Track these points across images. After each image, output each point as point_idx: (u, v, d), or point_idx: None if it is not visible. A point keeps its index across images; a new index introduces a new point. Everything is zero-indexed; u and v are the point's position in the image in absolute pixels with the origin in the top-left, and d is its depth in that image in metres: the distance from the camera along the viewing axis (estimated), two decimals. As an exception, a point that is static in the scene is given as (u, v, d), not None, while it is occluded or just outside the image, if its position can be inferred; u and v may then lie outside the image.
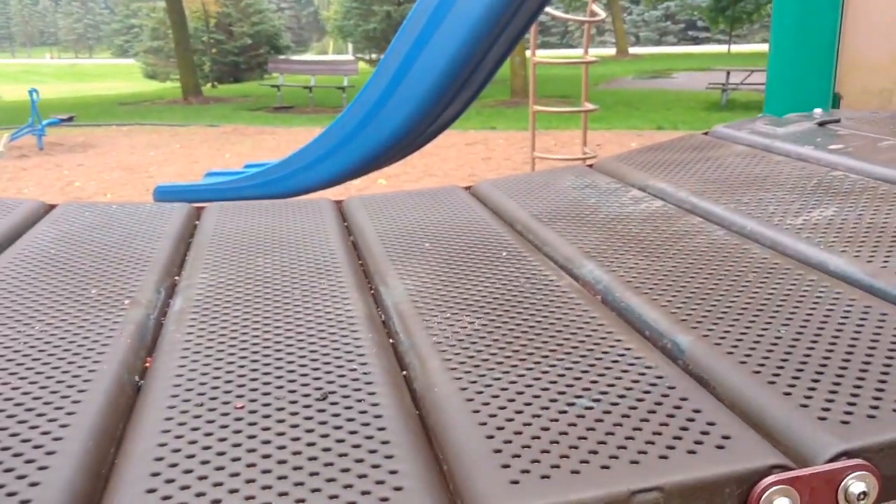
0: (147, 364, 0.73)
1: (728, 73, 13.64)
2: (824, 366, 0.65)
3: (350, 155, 3.79)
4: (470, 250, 1.03)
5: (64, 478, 0.52)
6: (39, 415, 0.60)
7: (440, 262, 0.98)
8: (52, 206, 1.27)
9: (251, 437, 0.57)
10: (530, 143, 6.05)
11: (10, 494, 0.49)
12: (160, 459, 0.54)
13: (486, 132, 10.75)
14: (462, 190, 1.40)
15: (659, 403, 0.61)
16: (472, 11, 3.33)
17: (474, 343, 0.73)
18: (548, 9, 4.63)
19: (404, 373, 0.71)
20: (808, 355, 0.67)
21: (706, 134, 1.62)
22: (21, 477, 0.51)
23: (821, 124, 1.50)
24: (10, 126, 11.15)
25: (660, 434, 0.56)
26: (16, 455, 0.54)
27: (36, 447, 0.55)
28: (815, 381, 0.62)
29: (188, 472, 0.53)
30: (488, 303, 0.84)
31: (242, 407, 0.62)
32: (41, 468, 0.52)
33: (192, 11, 20.72)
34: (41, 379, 0.66)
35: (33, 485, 0.50)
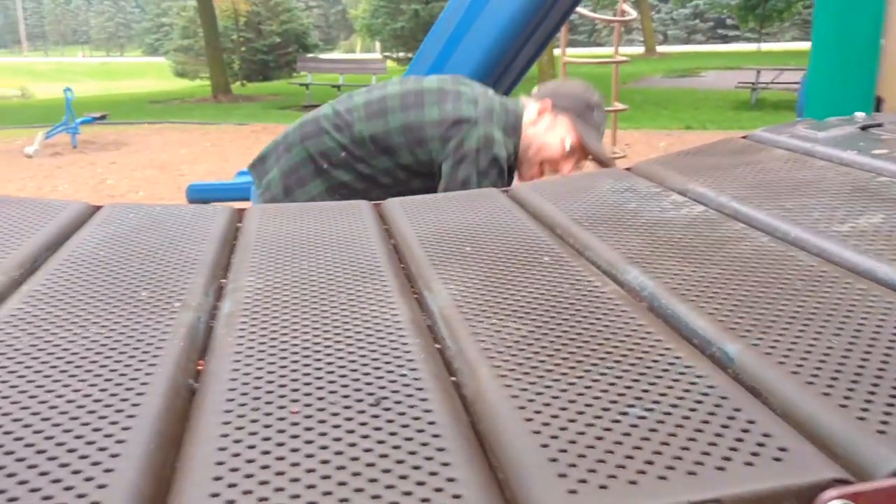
0: (199, 367, 0.75)
1: (758, 71, 13.49)
2: (880, 377, 0.64)
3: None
4: (511, 254, 1.03)
5: (130, 480, 0.53)
6: (101, 417, 0.61)
7: (482, 267, 0.98)
8: (98, 208, 1.29)
9: (308, 442, 0.58)
10: (559, 142, 6.03)
11: (81, 496, 0.51)
12: (221, 464, 0.55)
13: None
14: (499, 192, 1.40)
15: (712, 414, 0.61)
16: (504, 11, 3.34)
17: (522, 350, 0.74)
18: (578, 8, 4.62)
19: (452, 379, 0.72)
20: (862, 367, 0.66)
21: (745, 137, 1.61)
22: (88, 479, 0.53)
23: (863, 128, 1.48)
24: (45, 124, 11.34)
25: (715, 445, 0.56)
26: (82, 457, 0.55)
27: (101, 449, 0.56)
28: (871, 392, 0.62)
29: (249, 476, 0.54)
30: (534, 309, 0.84)
31: (298, 412, 0.63)
32: (107, 470, 0.54)
33: (222, 10, 20.92)
34: (100, 381, 0.67)
35: (101, 487, 0.52)
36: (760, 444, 0.56)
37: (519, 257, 1.02)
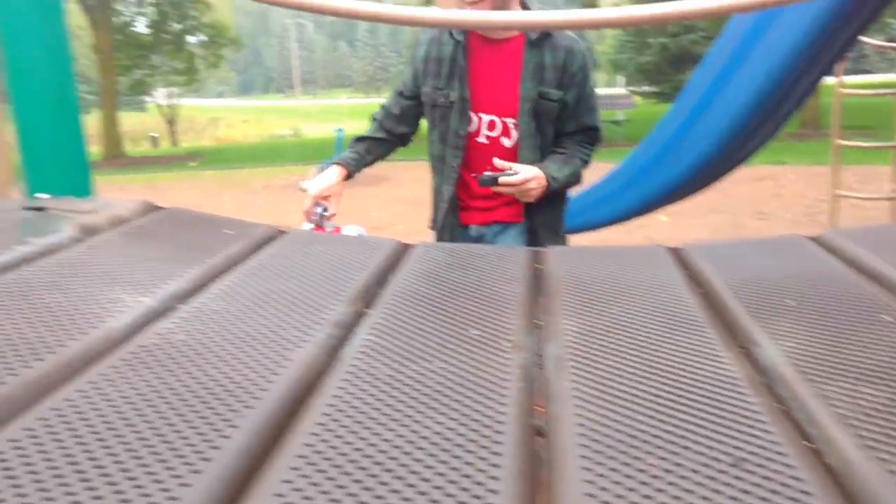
0: (538, 410, 0.77)
1: None
2: None
3: (641, 191, 3.77)
4: (841, 309, 0.96)
5: (512, 518, 0.56)
6: (468, 451, 0.65)
7: (811, 322, 0.93)
8: (408, 245, 1.39)
9: (676, 498, 0.58)
10: (830, 179, 5.59)
11: (473, 529, 0.54)
12: (594, 511, 0.57)
13: (775, 167, 10.11)
14: (807, 240, 1.32)
15: None
16: (780, 45, 3.17)
17: (886, 420, 0.68)
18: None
19: (806, 444, 0.68)
20: None
21: None
22: (474, 512, 0.56)
23: None
24: (315, 161, 12.51)
25: None
26: (463, 489, 0.59)
27: (477, 483, 0.60)
28: None
29: (625, 527, 0.54)
30: (887, 373, 0.77)
31: (656, 465, 0.63)
32: (488, 506, 0.57)
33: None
34: (458, 416, 0.72)
35: (488, 521, 0.55)
36: None
37: (851, 313, 0.95)
